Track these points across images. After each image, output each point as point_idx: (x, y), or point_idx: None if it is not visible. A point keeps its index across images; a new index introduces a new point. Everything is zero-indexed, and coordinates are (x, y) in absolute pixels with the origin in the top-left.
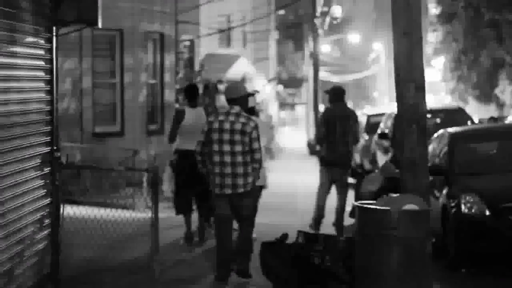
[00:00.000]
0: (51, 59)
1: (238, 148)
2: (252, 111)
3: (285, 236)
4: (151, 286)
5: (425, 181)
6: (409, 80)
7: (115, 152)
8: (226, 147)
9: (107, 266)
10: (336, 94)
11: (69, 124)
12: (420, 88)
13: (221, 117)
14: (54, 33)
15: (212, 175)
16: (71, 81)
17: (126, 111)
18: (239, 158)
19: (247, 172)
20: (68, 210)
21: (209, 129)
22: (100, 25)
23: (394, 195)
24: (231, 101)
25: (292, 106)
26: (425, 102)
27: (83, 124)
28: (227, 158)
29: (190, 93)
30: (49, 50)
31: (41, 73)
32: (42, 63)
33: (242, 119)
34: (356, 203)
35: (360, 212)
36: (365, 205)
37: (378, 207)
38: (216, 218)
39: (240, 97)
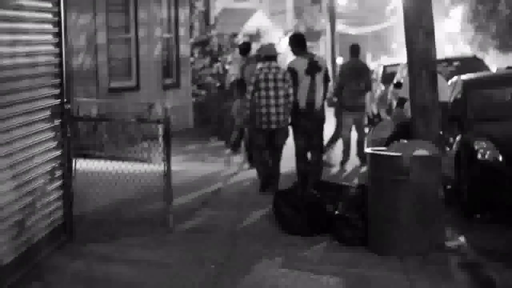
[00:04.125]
0: (59, 12)
1: (281, 92)
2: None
3: (297, 184)
4: (165, 236)
5: (436, 127)
6: (418, 25)
7: (131, 106)
8: (272, 92)
9: (122, 218)
10: (353, 50)
11: (84, 79)
12: (430, 33)
13: (265, 70)
14: None
15: (259, 114)
16: (85, 37)
17: (142, 65)
18: (281, 101)
19: (286, 111)
20: (84, 164)
21: (256, 80)
22: None
23: (405, 141)
24: (270, 58)
25: None
26: (434, 48)
27: (99, 80)
28: (273, 101)
29: (244, 48)
30: (57, 3)
31: (49, 26)
32: (49, 16)
33: (282, 71)
34: (368, 150)
35: (372, 158)
36: (377, 152)
37: (389, 153)
38: (257, 148)
39: (276, 55)
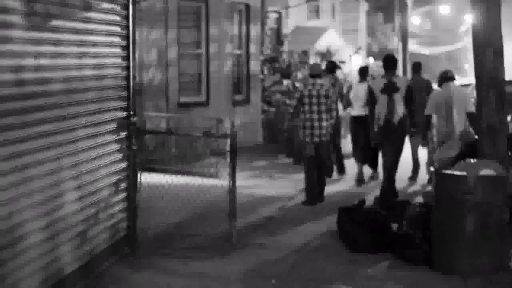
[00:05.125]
0: (128, 26)
1: (323, 107)
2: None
3: (362, 201)
4: (228, 251)
5: (503, 147)
6: (487, 45)
7: (200, 121)
8: (315, 107)
9: (186, 232)
10: (414, 67)
11: (155, 94)
12: (498, 53)
13: (309, 87)
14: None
15: (304, 128)
16: (157, 52)
17: (212, 81)
18: (324, 116)
19: (328, 125)
20: (151, 177)
21: (301, 96)
22: None
23: (471, 160)
24: (315, 76)
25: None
26: (503, 68)
27: (169, 94)
28: (316, 116)
29: (361, 72)
30: (126, 17)
31: (117, 39)
32: (118, 29)
33: (325, 87)
34: (433, 169)
35: (437, 177)
36: (442, 171)
37: (455, 173)
38: (306, 159)
39: (320, 73)
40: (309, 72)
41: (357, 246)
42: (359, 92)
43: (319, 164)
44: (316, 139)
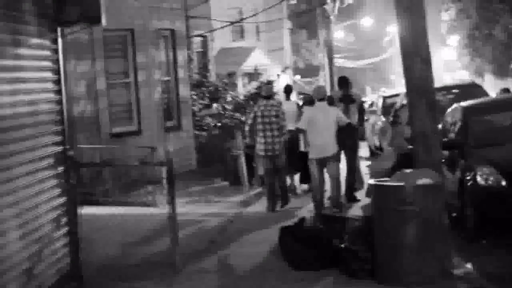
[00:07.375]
0: (58, 60)
1: (274, 126)
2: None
3: (302, 219)
4: (173, 278)
5: (437, 154)
6: (415, 54)
7: (134, 150)
8: (267, 126)
9: (130, 262)
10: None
11: (86, 126)
12: (426, 61)
13: (262, 107)
14: (59, 34)
15: (259, 143)
16: (85, 84)
17: (142, 109)
18: (276, 132)
19: (280, 140)
20: (90, 210)
21: (254, 115)
22: (104, 22)
23: (408, 170)
24: (268, 97)
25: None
26: (432, 75)
27: (101, 126)
28: (269, 133)
29: (286, 90)
30: (55, 51)
31: (48, 74)
32: (48, 64)
33: (275, 108)
34: (371, 181)
35: (375, 189)
36: (380, 183)
37: (392, 184)
38: (265, 172)
39: (273, 94)
40: (261, 93)
41: (302, 265)
42: (288, 109)
43: (276, 173)
44: (269, 153)
